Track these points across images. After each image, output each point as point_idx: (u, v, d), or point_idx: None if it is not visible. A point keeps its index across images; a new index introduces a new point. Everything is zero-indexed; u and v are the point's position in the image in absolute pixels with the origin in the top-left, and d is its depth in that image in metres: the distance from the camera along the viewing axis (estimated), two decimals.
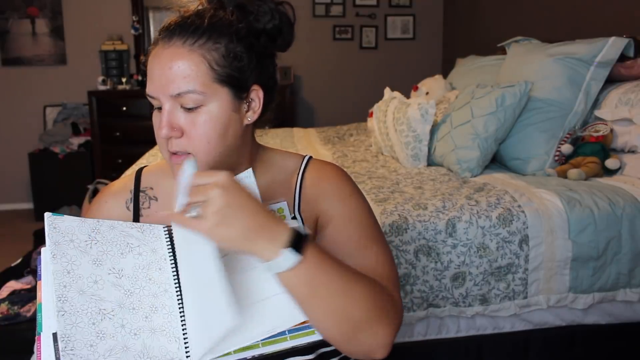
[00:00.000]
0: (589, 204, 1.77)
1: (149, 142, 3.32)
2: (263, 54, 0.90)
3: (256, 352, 0.77)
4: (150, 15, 4.80)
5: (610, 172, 2.09)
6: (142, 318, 0.77)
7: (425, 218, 1.72)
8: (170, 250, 0.86)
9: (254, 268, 0.79)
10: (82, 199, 3.50)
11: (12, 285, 2.14)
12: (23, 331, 1.86)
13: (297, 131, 3.57)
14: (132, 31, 4.69)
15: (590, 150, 2.10)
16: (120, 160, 4.25)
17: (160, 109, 0.86)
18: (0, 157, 4.76)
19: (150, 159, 2.67)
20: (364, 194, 1.88)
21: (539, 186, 1.93)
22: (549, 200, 1.79)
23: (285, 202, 0.93)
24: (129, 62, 4.74)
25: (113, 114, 4.36)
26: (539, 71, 2.29)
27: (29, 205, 4.77)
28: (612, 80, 2.30)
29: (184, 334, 0.78)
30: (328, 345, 0.89)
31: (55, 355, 0.71)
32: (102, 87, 4.46)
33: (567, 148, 2.15)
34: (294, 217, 0.94)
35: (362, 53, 5.01)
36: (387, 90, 2.83)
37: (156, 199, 0.98)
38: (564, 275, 1.75)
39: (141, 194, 0.99)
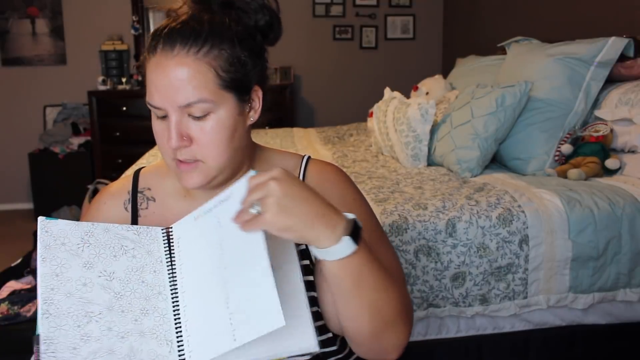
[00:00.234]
0: (589, 204, 1.77)
1: (149, 142, 3.32)
2: (259, 52, 0.90)
3: None
4: (150, 15, 4.80)
5: (610, 172, 2.09)
6: (131, 321, 0.77)
7: (425, 218, 1.72)
8: (168, 252, 0.85)
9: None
10: (82, 199, 3.50)
11: (12, 285, 2.14)
12: (23, 331, 1.86)
13: (297, 131, 3.57)
14: (132, 31, 4.69)
15: (590, 150, 2.10)
16: (120, 160, 4.25)
17: (163, 117, 0.86)
18: (0, 157, 4.77)
19: (150, 159, 2.67)
20: (364, 194, 1.88)
21: (539, 186, 1.93)
22: (549, 200, 1.79)
23: None
24: (129, 62, 4.74)
25: (113, 114, 4.36)
26: (539, 71, 2.29)
27: (29, 205, 4.77)
28: (612, 80, 2.30)
29: (177, 337, 0.77)
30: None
31: (35, 358, 0.71)
32: (102, 87, 4.46)
33: (567, 148, 2.15)
34: None
35: (362, 53, 5.01)
36: (387, 90, 2.83)
37: (154, 200, 0.99)
38: (564, 275, 1.75)
39: (139, 194, 0.99)
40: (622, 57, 2.25)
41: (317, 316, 0.89)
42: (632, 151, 2.13)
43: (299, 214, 0.71)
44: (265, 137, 3.22)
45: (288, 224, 0.71)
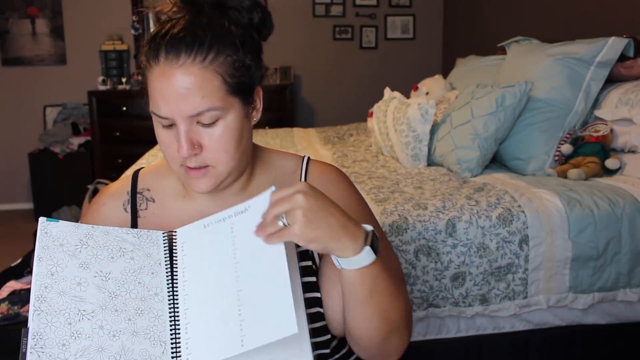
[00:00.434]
0: (589, 204, 1.77)
1: (149, 142, 3.32)
2: (259, 51, 0.90)
3: None
4: (150, 15, 4.79)
5: (610, 172, 2.09)
6: (125, 320, 0.77)
7: (425, 218, 1.72)
8: (168, 255, 0.85)
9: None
10: (82, 199, 3.50)
11: (12, 285, 2.14)
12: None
13: (297, 131, 3.57)
14: (132, 31, 4.69)
15: (590, 150, 2.10)
16: (120, 160, 4.25)
17: (169, 125, 0.85)
18: (0, 157, 4.76)
19: (150, 159, 2.67)
20: (364, 194, 1.89)
21: (539, 186, 1.93)
22: (549, 200, 1.79)
23: None
24: (129, 62, 4.74)
25: (113, 114, 4.36)
26: (539, 71, 2.29)
27: (29, 205, 4.77)
28: (612, 80, 2.30)
29: (171, 339, 0.78)
30: None
31: (21, 350, 0.71)
32: (102, 87, 4.46)
33: (567, 148, 2.15)
34: None
35: (362, 53, 5.01)
36: (387, 90, 2.82)
37: (153, 200, 0.99)
38: (564, 275, 1.75)
39: (138, 195, 0.99)
40: (622, 57, 2.25)
41: (319, 317, 0.90)
42: (632, 151, 2.13)
43: (325, 226, 0.74)
44: (265, 137, 3.22)
45: (315, 235, 0.74)
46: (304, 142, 3.19)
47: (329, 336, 0.92)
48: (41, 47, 4.66)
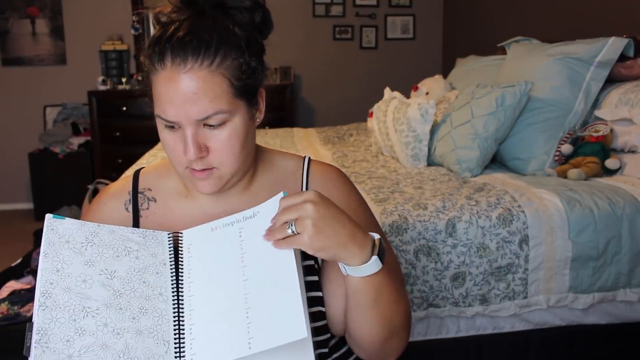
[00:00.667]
0: (589, 204, 1.77)
1: (149, 142, 3.33)
2: (261, 53, 0.90)
3: None
4: (151, 15, 4.79)
5: (610, 172, 2.09)
6: (129, 318, 0.77)
7: (425, 218, 1.72)
8: (173, 256, 0.86)
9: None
10: (82, 199, 3.50)
11: (12, 285, 2.14)
12: (23, 331, 1.85)
13: (297, 131, 3.57)
14: (132, 31, 4.69)
15: (590, 150, 2.10)
16: (120, 160, 4.25)
17: (172, 127, 0.85)
18: (0, 157, 4.76)
19: (150, 159, 2.67)
20: (364, 194, 1.89)
21: (539, 186, 1.93)
22: (549, 200, 1.79)
23: None
24: (129, 62, 4.74)
25: (113, 114, 4.36)
26: (539, 71, 2.29)
27: (29, 205, 4.77)
28: (612, 80, 2.30)
29: (175, 339, 0.78)
30: None
31: (26, 344, 0.71)
32: (102, 87, 4.46)
33: (567, 148, 2.15)
34: None
35: (362, 53, 5.01)
36: (387, 90, 2.83)
37: (155, 200, 0.99)
38: (564, 275, 1.75)
39: (140, 195, 0.99)
40: (622, 57, 2.25)
41: (320, 316, 0.90)
42: (632, 151, 2.13)
43: (333, 235, 0.76)
44: (265, 137, 3.22)
45: (324, 245, 0.76)
46: (304, 142, 3.19)
47: (328, 335, 0.92)
48: (41, 47, 4.66)
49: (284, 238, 0.77)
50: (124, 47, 4.68)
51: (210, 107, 0.82)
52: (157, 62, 0.83)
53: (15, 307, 1.93)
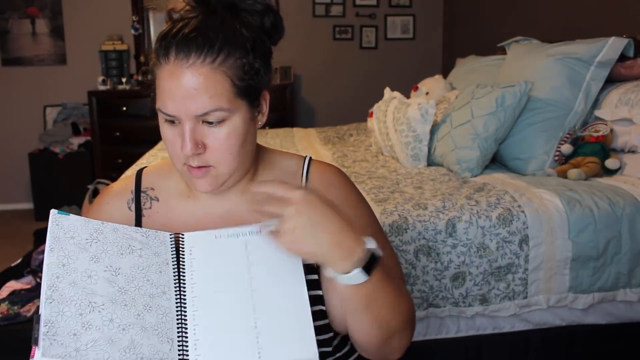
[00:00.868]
0: (589, 204, 1.77)
1: (149, 142, 3.32)
2: (269, 56, 0.90)
3: None
4: (150, 15, 4.80)
5: (610, 172, 2.09)
6: (134, 315, 0.78)
7: (425, 218, 1.73)
8: (175, 255, 0.87)
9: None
10: (82, 199, 3.50)
11: (12, 285, 2.14)
12: (23, 331, 1.86)
13: (297, 131, 3.57)
14: (132, 31, 4.68)
15: (590, 150, 2.10)
16: (120, 160, 4.25)
17: (172, 122, 0.86)
18: (0, 157, 4.76)
19: (150, 159, 2.67)
20: (364, 194, 1.88)
21: (539, 186, 1.93)
22: (549, 200, 1.79)
23: None
24: (129, 62, 4.74)
25: (113, 114, 4.36)
26: (539, 71, 2.29)
27: (29, 205, 4.77)
28: (612, 80, 2.30)
29: (178, 337, 0.79)
30: None
31: (34, 335, 0.72)
32: (102, 87, 4.46)
33: (567, 148, 2.15)
34: None
35: (362, 53, 5.01)
36: (387, 90, 2.83)
37: (157, 199, 0.99)
38: (564, 275, 1.75)
39: (142, 194, 1.00)
40: (622, 57, 2.25)
41: (321, 315, 0.90)
42: (632, 151, 2.13)
43: (314, 243, 0.75)
44: (265, 137, 3.22)
45: (301, 250, 0.76)
46: (304, 142, 3.19)
47: (331, 334, 0.92)
48: (41, 47, 4.66)
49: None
50: (124, 47, 4.68)
51: (209, 104, 0.82)
52: (162, 56, 0.84)
53: (15, 307, 1.93)
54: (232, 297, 0.81)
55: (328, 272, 0.78)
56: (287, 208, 0.74)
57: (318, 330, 0.89)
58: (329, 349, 0.92)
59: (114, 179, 3.48)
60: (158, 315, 0.79)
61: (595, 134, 2.15)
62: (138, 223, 0.98)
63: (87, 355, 0.71)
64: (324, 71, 4.98)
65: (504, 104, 2.16)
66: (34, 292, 2.05)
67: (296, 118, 4.87)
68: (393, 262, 0.95)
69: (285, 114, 4.51)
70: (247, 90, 0.86)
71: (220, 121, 0.85)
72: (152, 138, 3.67)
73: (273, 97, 0.95)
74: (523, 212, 1.74)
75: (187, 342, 0.78)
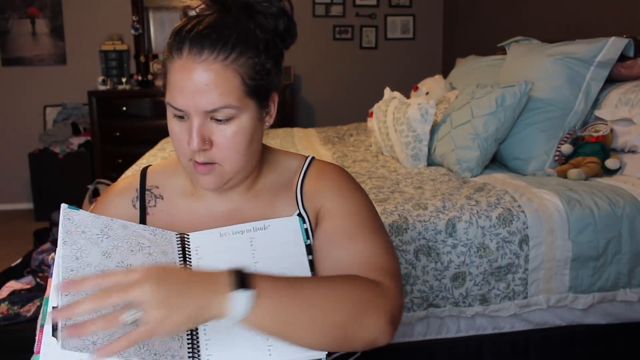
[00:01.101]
0: (589, 204, 1.77)
1: (149, 142, 3.33)
2: (280, 59, 0.91)
3: None
4: (150, 15, 4.80)
5: (610, 172, 2.09)
6: None
7: (425, 218, 1.73)
8: (181, 255, 0.87)
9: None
10: (82, 199, 3.50)
11: (12, 285, 2.14)
12: (23, 331, 1.86)
13: (297, 131, 3.57)
14: (132, 31, 4.68)
15: (590, 150, 2.10)
16: (120, 160, 4.25)
17: (181, 117, 0.87)
18: (0, 157, 4.76)
19: (150, 159, 2.67)
20: None
21: (539, 186, 1.93)
22: (549, 200, 1.80)
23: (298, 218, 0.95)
24: (129, 62, 4.74)
25: (113, 114, 4.36)
26: (539, 71, 2.29)
27: (29, 205, 4.77)
28: (612, 80, 2.30)
29: (188, 336, 0.79)
30: None
31: (52, 326, 0.71)
32: (102, 87, 4.45)
33: (567, 148, 2.15)
34: (299, 214, 0.96)
35: (362, 53, 5.00)
36: (387, 90, 2.83)
37: (162, 198, 1.00)
38: (564, 275, 1.75)
39: (147, 192, 1.00)
40: (622, 57, 2.25)
41: None
42: (632, 151, 2.13)
43: (184, 308, 0.68)
44: (265, 137, 3.18)
45: (177, 322, 0.68)
46: (304, 142, 3.19)
47: None
48: (41, 47, 4.66)
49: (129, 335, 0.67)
50: (124, 47, 4.68)
51: (219, 100, 0.83)
52: (175, 50, 0.85)
53: (15, 307, 1.93)
54: None
55: (225, 323, 0.72)
56: (140, 288, 0.67)
57: None
58: None
59: (114, 179, 3.48)
60: None
61: (595, 134, 2.15)
62: (142, 221, 0.98)
63: None
64: (324, 71, 4.98)
65: (504, 104, 2.16)
66: (34, 292, 2.05)
67: (296, 118, 4.87)
68: (379, 249, 0.89)
69: (285, 114, 4.51)
70: (257, 90, 0.87)
71: (229, 119, 0.85)
72: (152, 138, 3.67)
73: None
74: (523, 212, 1.74)
75: (197, 341, 0.79)
